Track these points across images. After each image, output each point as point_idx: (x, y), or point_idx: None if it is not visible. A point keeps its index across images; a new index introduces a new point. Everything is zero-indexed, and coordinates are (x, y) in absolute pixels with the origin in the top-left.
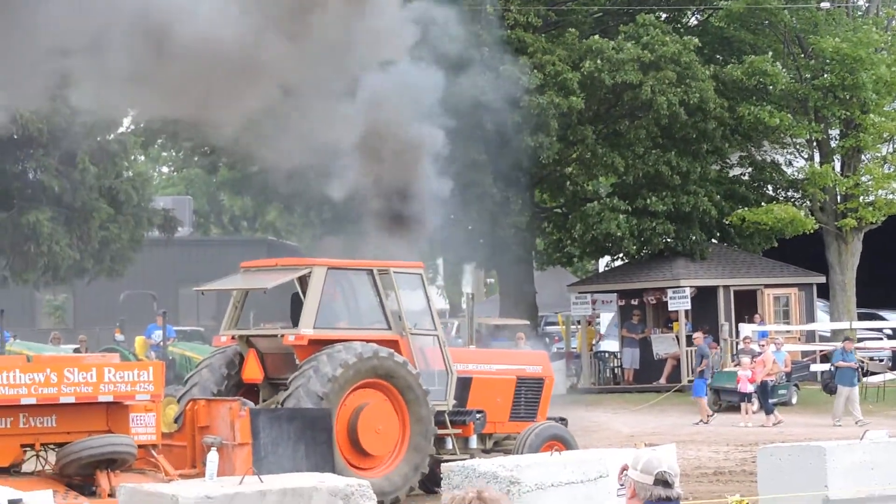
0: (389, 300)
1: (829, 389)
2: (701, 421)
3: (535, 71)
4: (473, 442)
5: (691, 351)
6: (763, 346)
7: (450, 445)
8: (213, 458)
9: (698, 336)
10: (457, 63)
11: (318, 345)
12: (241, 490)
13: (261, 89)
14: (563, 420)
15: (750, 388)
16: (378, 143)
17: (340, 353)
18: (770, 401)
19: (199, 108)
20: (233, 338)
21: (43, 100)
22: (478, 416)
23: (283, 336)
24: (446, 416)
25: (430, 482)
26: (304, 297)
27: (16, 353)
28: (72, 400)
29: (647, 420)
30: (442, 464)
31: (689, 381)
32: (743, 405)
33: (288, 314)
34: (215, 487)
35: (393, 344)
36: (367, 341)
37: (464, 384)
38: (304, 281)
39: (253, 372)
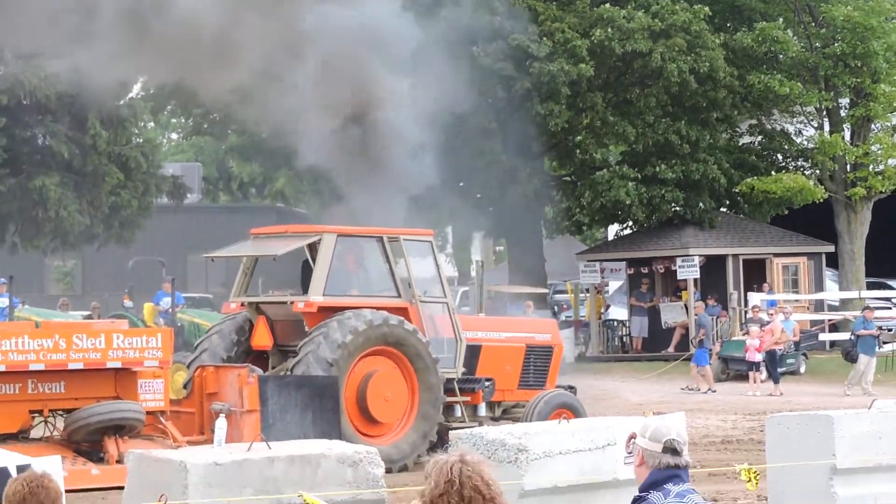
0: (399, 267)
1: (851, 358)
2: (695, 389)
3: (545, 39)
4: (482, 410)
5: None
6: (772, 314)
7: (458, 413)
8: (221, 424)
9: (699, 305)
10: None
11: (328, 312)
12: (250, 457)
13: (238, 60)
14: (571, 388)
15: (758, 357)
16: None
17: (350, 320)
18: (778, 369)
19: (185, 74)
20: (242, 305)
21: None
22: (487, 383)
23: (292, 303)
24: (455, 383)
25: (440, 450)
26: (314, 264)
27: (24, 319)
28: (80, 366)
29: (655, 388)
30: (450, 431)
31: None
32: (751, 374)
33: (298, 281)
34: (224, 454)
35: (402, 311)
36: (377, 308)
37: (473, 352)
38: (314, 248)
39: (262, 339)
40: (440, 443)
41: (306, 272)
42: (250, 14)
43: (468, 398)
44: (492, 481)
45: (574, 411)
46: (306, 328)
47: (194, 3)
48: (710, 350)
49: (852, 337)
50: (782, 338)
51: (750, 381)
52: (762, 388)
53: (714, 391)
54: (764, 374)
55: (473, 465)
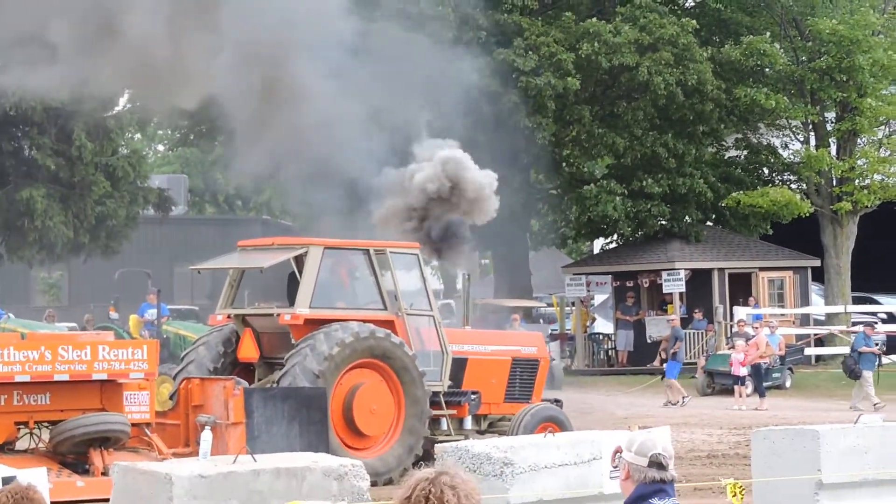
0: (385, 280)
1: (855, 374)
2: (674, 403)
3: (531, 53)
4: (468, 423)
5: (686, 333)
6: (757, 328)
7: (444, 426)
8: (206, 437)
9: (673, 318)
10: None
11: (315, 324)
12: (235, 469)
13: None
14: (557, 402)
15: (743, 372)
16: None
17: (337, 332)
18: (764, 384)
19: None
20: (229, 317)
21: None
22: (473, 397)
23: (279, 315)
24: (441, 396)
25: (426, 463)
26: (301, 276)
27: (10, 330)
28: (66, 378)
29: (640, 402)
30: (436, 445)
31: (685, 364)
32: (736, 388)
33: (284, 293)
34: (209, 466)
35: (389, 324)
36: (363, 321)
37: (459, 365)
38: (300, 260)
39: (249, 351)
40: (426, 456)
41: (293, 284)
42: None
43: (454, 411)
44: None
45: (560, 425)
46: (293, 340)
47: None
48: (681, 363)
49: (853, 353)
50: (767, 351)
51: (735, 395)
52: (748, 403)
53: (683, 405)
54: (750, 389)
55: (449, 483)
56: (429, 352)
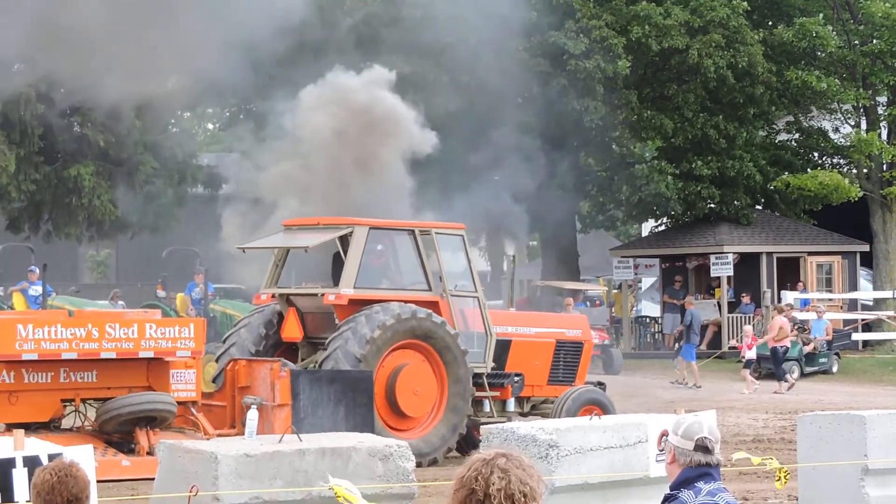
0: (430, 261)
1: None
2: (696, 384)
3: (581, 36)
4: (511, 405)
5: (733, 318)
6: (774, 314)
7: (487, 408)
8: (252, 416)
9: (689, 300)
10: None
11: (359, 305)
12: (281, 448)
13: None
14: (601, 385)
15: (749, 355)
16: None
17: (378, 315)
18: (781, 366)
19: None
20: (273, 296)
21: None
22: (516, 379)
23: (323, 295)
24: (484, 378)
25: (468, 444)
26: (346, 256)
27: (58, 307)
28: (113, 355)
29: (686, 385)
30: (480, 426)
31: (730, 348)
32: (742, 372)
33: (329, 273)
34: (255, 445)
35: (433, 305)
36: (408, 302)
37: (503, 347)
38: (345, 240)
39: (293, 331)
40: (469, 437)
41: (337, 264)
42: None
43: (497, 393)
44: (529, 491)
45: (603, 408)
46: (336, 321)
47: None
48: (697, 345)
49: None
50: (780, 335)
51: (744, 379)
52: (761, 388)
53: (700, 387)
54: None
55: (502, 466)
56: (473, 333)
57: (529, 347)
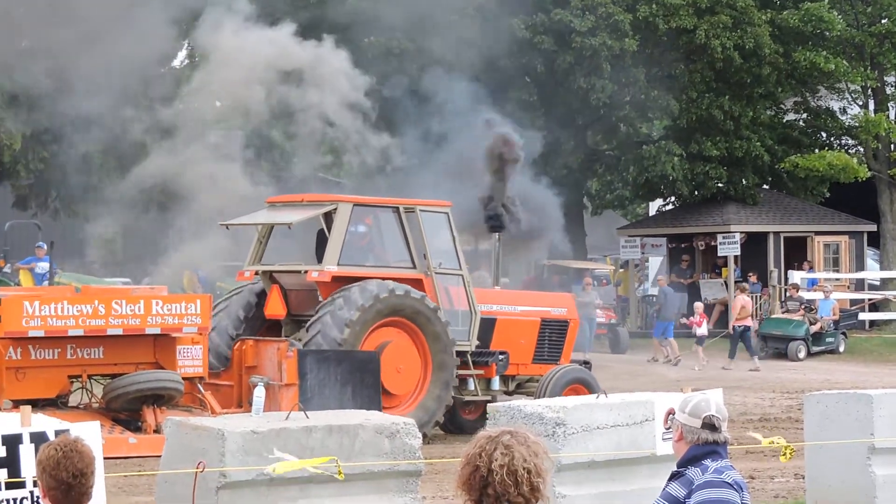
0: (415, 238)
1: None
2: (662, 360)
3: (587, 13)
4: (496, 383)
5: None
6: (737, 293)
7: (472, 386)
8: (259, 393)
9: (661, 278)
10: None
11: (342, 282)
12: (287, 426)
13: None
14: (586, 363)
15: (699, 332)
16: None
17: (356, 296)
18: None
19: None
20: (256, 273)
21: None
22: (501, 357)
23: (306, 272)
24: (469, 356)
25: (454, 424)
26: (329, 233)
27: (65, 284)
28: (119, 332)
29: (693, 364)
30: (488, 404)
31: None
32: (695, 347)
33: (313, 250)
34: (261, 422)
35: (417, 283)
36: (392, 279)
37: (488, 325)
38: (329, 217)
39: (276, 308)
40: (454, 416)
41: (321, 241)
42: None
43: (482, 371)
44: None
45: (588, 387)
46: (320, 298)
47: None
48: (672, 323)
49: None
50: (742, 314)
51: (696, 355)
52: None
53: (679, 359)
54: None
55: (507, 443)
56: (457, 311)
57: (514, 326)
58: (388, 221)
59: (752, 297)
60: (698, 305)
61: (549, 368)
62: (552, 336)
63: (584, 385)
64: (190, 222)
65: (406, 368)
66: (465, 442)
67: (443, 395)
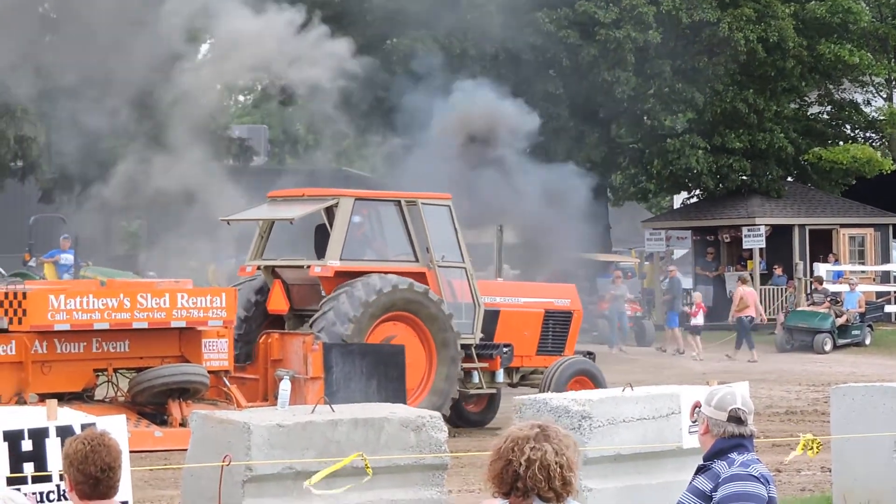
0: (417, 231)
1: None
2: (676, 351)
3: (612, 5)
4: (500, 376)
5: (766, 290)
6: (738, 285)
7: (476, 379)
8: (285, 386)
9: (672, 269)
10: None
11: (345, 276)
12: (313, 419)
13: None
14: (590, 354)
15: (695, 322)
16: None
17: (359, 291)
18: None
19: None
20: (258, 268)
21: None
22: (505, 349)
23: (309, 267)
24: (473, 349)
25: (460, 418)
26: (331, 227)
27: (90, 277)
28: (145, 325)
29: (718, 357)
30: (515, 397)
31: (761, 321)
32: (690, 337)
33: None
34: (287, 416)
35: (420, 276)
36: (395, 273)
37: (491, 317)
38: (330, 211)
39: (278, 303)
40: (458, 409)
41: (320, 236)
42: None
43: (486, 364)
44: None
45: (593, 378)
46: (323, 293)
47: None
48: (679, 314)
49: None
50: (741, 305)
51: (692, 345)
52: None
53: (682, 352)
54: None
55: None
56: (461, 304)
57: (518, 317)
58: (390, 215)
59: (775, 289)
60: (696, 295)
61: (553, 360)
62: (556, 327)
63: (588, 377)
64: (206, 219)
65: (411, 363)
66: (490, 435)
67: (449, 389)
